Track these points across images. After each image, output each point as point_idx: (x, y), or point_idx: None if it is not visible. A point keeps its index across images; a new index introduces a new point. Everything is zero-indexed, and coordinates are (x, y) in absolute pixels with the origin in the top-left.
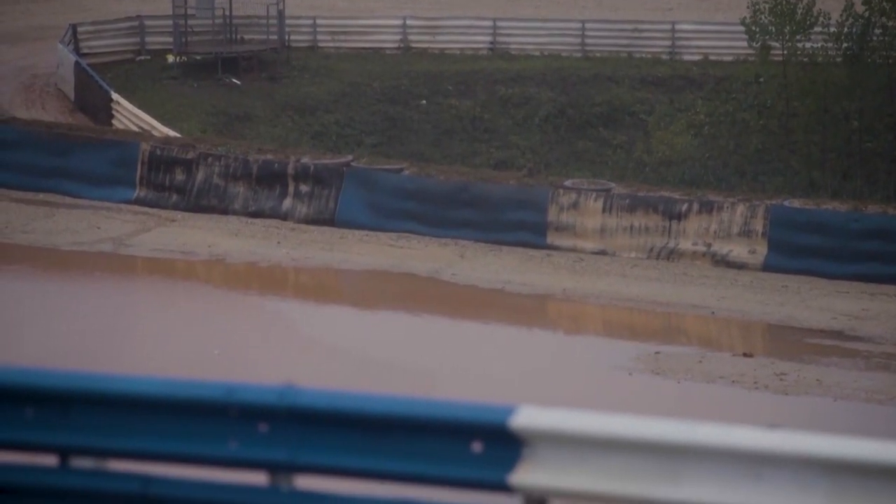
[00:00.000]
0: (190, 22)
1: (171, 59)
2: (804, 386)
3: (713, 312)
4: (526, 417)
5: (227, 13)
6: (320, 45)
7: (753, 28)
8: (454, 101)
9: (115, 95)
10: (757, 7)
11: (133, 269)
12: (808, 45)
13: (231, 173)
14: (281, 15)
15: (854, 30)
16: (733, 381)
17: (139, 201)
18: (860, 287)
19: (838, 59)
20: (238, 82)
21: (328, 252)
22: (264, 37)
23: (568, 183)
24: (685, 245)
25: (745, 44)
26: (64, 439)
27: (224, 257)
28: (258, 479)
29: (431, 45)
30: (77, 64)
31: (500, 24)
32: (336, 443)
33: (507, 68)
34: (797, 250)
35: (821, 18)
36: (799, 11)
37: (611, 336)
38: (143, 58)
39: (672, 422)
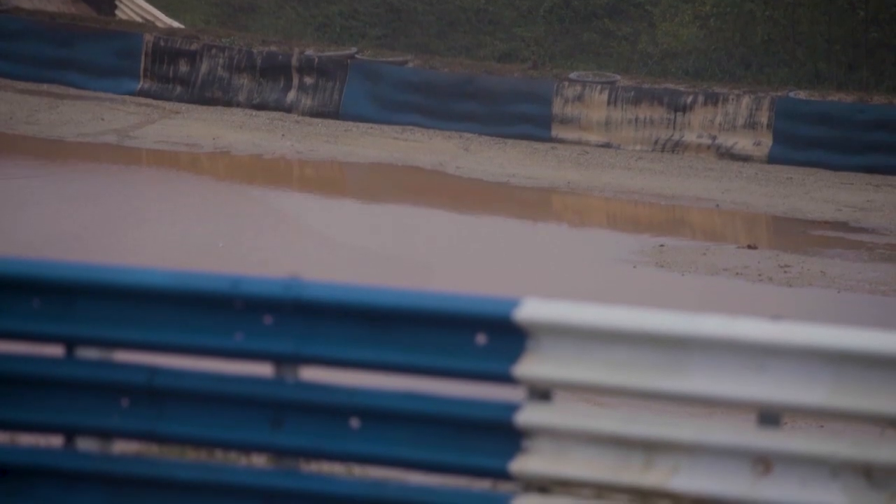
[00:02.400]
0: None
1: None
2: (808, 278)
3: (718, 205)
4: (530, 309)
5: None
6: None
7: None
8: None
9: None
10: None
11: (138, 161)
12: None
13: (235, 65)
14: None
15: None
16: (737, 274)
17: (143, 93)
18: (865, 178)
19: None
20: None
21: (333, 145)
22: None
23: (573, 75)
24: (690, 137)
25: None
26: (70, 330)
27: (229, 149)
28: (263, 370)
29: None
30: None
31: None
32: (341, 335)
33: None
34: (802, 142)
35: None
36: None
37: (615, 229)
38: None
39: (676, 314)
